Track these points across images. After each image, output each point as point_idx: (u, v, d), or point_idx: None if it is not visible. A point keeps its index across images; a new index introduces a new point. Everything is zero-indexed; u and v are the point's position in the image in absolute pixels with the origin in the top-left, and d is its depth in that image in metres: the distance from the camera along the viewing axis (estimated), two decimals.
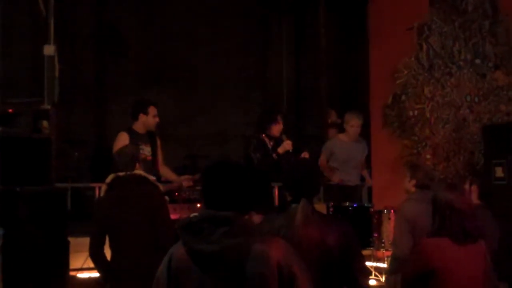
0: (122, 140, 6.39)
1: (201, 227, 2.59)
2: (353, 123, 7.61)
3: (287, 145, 6.89)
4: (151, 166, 6.59)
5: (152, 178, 5.04)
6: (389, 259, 5.51)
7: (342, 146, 7.71)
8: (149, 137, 6.69)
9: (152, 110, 6.64)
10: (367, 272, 3.67)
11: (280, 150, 6.91)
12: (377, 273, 6.76)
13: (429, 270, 3.79)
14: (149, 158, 6.63)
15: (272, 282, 2.57)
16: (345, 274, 3.46)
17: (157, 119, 6.67)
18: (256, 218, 6.32)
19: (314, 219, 3.46)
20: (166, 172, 6.86)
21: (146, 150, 6.60)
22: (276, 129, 7.04)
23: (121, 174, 4.79)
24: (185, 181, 6.79)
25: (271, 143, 7.01)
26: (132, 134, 6.54)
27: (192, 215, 2.69)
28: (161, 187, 5.29)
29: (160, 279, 2.69)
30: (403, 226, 4.90)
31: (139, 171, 4.87)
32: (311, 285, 2.67)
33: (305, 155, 6.86)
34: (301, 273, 2.64)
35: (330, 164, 7.67)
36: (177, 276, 2.64)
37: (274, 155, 6.89)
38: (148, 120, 6.61)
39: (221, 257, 2.56)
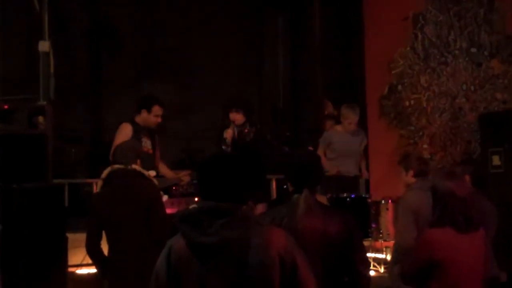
0: (126, 131, 6.34)
1: (200, 219, 2.58)
2: (350, 120, 7.52)
3: (225, 133, 6.92)
4: (153, 160, 6.58)
5: (148, 173, 5.02)
6: (393, 249, 5.50)
7: (339, 138, 7.66)
8: (149, 131, 6.67)
9: (156, 110, 6.57)
10: (368, 263, 3.68)
11: (227, 140, 6.93)
12: (375, 264, 6.76)
13: (434, 260, 3.74)
14: (151, 151, 6.60)
15: (274, 272, 2.57)
16: (346, 264, 3.48)
17: (159, 120, 6.59)
18: (260, 208, 6.35)
19: (316, 210, 3.48)
20: (163, 168, 6.84)
21: (147, 144, 6.57)
22: (229, 119, 7.04)
23: (116, 168, 4.78)
24: (184, 176, 6.79)
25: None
26: (135, 126, 6.49)
27: (191, 206, 2.68)
28: (157, 182, 5.27)
29: (159, 271, 2.67)
30: (407, 216, 4.84)
31: (135, 166, 4.85)
32: (312, 274, 2.67)
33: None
34: (302, 262, 2.64)
35: (328, 156, 7.64)
36: (177, 268, 2.63)
37: (223, 147, 6.91)
38: (149, 117, 6.54)
39: (221, 249, 2.55)
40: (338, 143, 7.62)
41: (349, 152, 7.64)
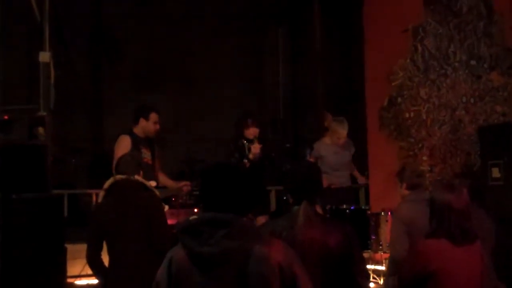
0: (125, 143, 6.38)
1: (200, 230, 2.59)
2: (339, 135, 7.57)
3: (254, 149, 6.87)
4: (152, 171, 6.59)
5: (149, 183, 5.03)
6: (387, 261, 5.52)
7: (329, 152, 7.68)
8: (149, 142, 6.69)
9: (153, 117, 6.63)
10: (368, 275, 3.68)
11: (251, 155, 6.90)
12: (375, 276, 6.75)
13: (428, 272, 3.76)
14: (150, 162, 6.63)
15: (274, 283, 2.57)
16: (346, 276, 3.47)
17: (157, 126, 6.66)
18: (261, 219, 6.33)
19: (316, 221, 3.48)
20: (163, 178, 6.85)
21: (147, 155, 6.60)
22: (248, 133, 7.03)
23: (119, 178, 4.79)
24: (184, 186, 6.80)
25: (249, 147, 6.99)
26: (134, 137, 6.52)
27: (191, 217, 2.68)
28: (158, 192, 5.28)
29: (160, 282, 2.68)
30: (399, 227, 4.91)
31: (137, 177, 4.87)
32: (312, 285, 2.67)
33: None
34: (302, 273, 2.64)
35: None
36: (178, 279, 2.63)
37: (245, 160, 6.84)
38: (148, 125, 6.60)
39: (221, 259, 2.56)
40: (329, 157, 7.64)
41: (340, 166, 7.68)
